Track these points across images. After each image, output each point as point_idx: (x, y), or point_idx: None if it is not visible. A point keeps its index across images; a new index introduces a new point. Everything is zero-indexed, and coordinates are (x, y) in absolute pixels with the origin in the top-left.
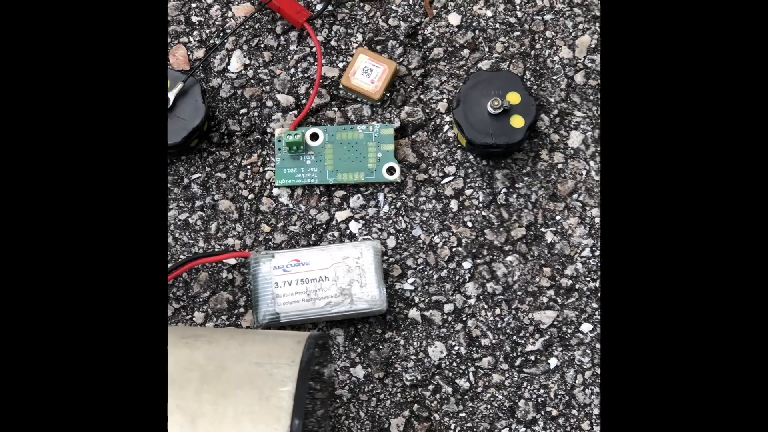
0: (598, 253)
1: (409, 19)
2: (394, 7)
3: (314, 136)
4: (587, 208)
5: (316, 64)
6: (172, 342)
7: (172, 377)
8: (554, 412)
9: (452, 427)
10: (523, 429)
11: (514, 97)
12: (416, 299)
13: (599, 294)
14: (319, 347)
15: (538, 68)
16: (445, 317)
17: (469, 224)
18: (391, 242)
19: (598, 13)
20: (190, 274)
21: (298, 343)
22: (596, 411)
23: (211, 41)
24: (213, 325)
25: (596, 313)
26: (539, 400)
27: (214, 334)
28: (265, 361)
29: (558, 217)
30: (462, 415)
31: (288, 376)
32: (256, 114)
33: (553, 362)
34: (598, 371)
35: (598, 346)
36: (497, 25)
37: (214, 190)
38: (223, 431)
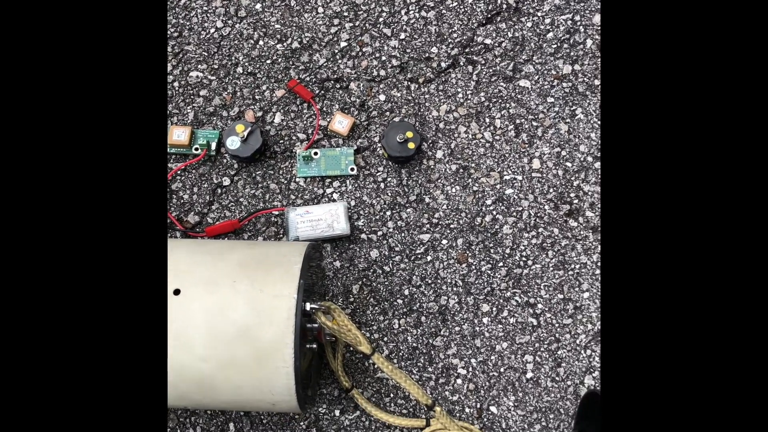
0: (446, 205)
1: (361, 98)
2: (353, 91)
3: (315, 153)
4: (445, 188)
5: (315, 118)
6: (240, 246)
7: (240, 262)
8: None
9: (382, 288)
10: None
11: (409, 134)
12: (364, 229)
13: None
14: (314, 249)
15: (422, 120)
16: (379, 237)
17: (389, 194)
18: (353, 203)
19: (459, 91)
20: (256, 220)
21: (302, 246)
22: None
23: (266, 107)
24: None
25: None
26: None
27: (262, 244)
28: (286, 254)
29: (431, 191)
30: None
31: (297, 261)
32: (288, 143)
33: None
34: None
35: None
36: (402, 100)
37: (268, 180)
38: (268, 284)
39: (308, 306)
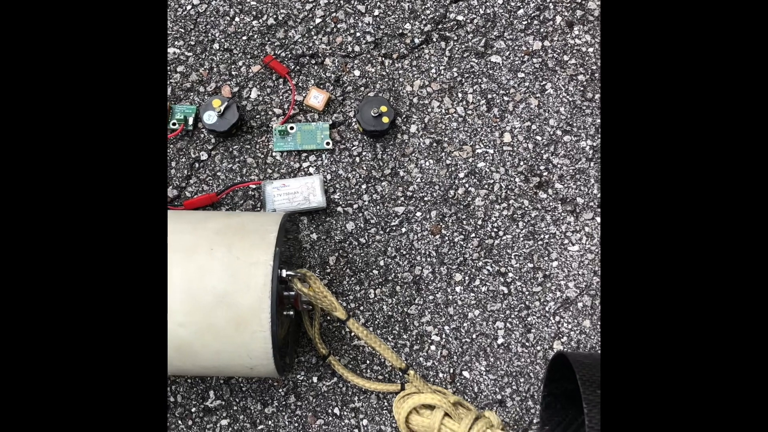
0: (420, 178)
1: (336, 73)
2: (329, 66)
3: (291, 128)
4: (419, 161)
5: (291, 94)
6: (218, 215)
7: (217, 230)
8: None
9: (358, 258)
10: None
11: (384, 108)
12: (340, 202)
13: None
14: (290, 221)
15: (396, 95)
16: (354, 209)
17: (364, 168)
18: (329, 176)
19: (432, 67)
20: (234, 193)
21: (278, 216)
22: None
23: (242, 83)
24: None
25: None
26: None
27: (239, 214)
28: (262, 223)
29: (405, 164)
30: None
31: (273, 230)
32: (264, 118)
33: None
34: None
35: None
36: (376, 76)
37: (245, 154)
38: (244, 251)
39: (284, 273)
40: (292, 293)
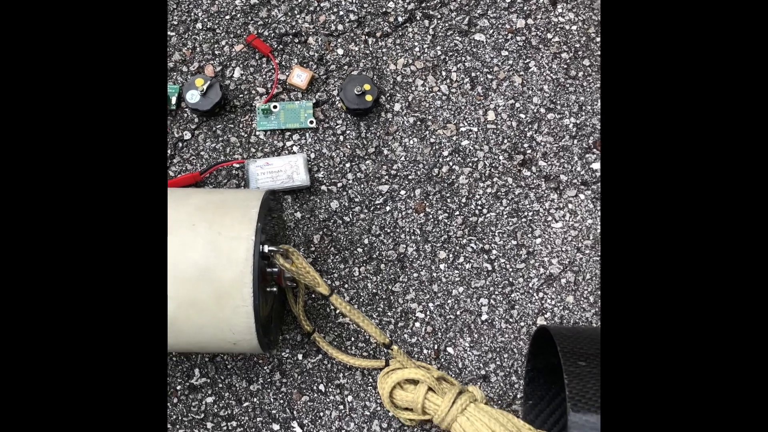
0: (404, 156)
1: (320, 52)
2: (312, 45)
3: (275, 107)
4: (403, 140)
5: (274, 73)
6: (200, 192)
7: (199, 206)
8: None
9: (343, 231)
10: None
11: (367, 86)
12: (324, 181)
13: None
14: (273, 199)
15: (379, 74)
16: (339, 188)
17: (348, 146)
18: (313, 155)
19: (415, 45)
20: (217, 172)
21: (260, 192)
22: None
23: (225, 62)
24: None
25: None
26: None
27: (221, 191)
28: (245, 199)
29: (389, 143)
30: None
31: (255, 205)
32: (247, 97)
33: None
34: None
35: None
36: (360, 54)
37: (228, 133)
38: (225, 227)
39: (266, 248)
40: (275, 270)
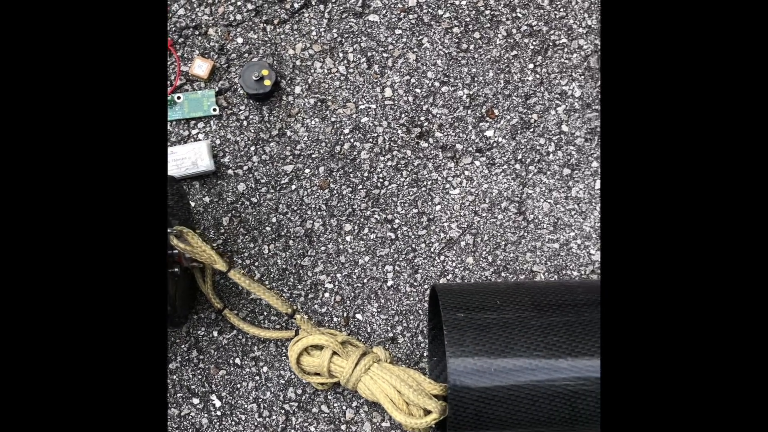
0: (307, 137)
1: (220, 42)
2: (212, 36)
3: (179, 97)
4: (305, 121)
5: (177, 65)
6: None
7: None
8: None
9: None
10: None
11: (264, 72)
12: (230, 165)
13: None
14: (175, 182)
15: (279, 59)
16: (245, 171)
17: (252, 130)
18: (217, 141)
19: (312, 30)
20: None
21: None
22: None
23: None
24: None
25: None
26: None
27: None
28: None
29: (292, 124)
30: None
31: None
32: None
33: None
34: None
35: None
36: (259, 42)
37: None
38: None
39: None
40: (175, 252)
